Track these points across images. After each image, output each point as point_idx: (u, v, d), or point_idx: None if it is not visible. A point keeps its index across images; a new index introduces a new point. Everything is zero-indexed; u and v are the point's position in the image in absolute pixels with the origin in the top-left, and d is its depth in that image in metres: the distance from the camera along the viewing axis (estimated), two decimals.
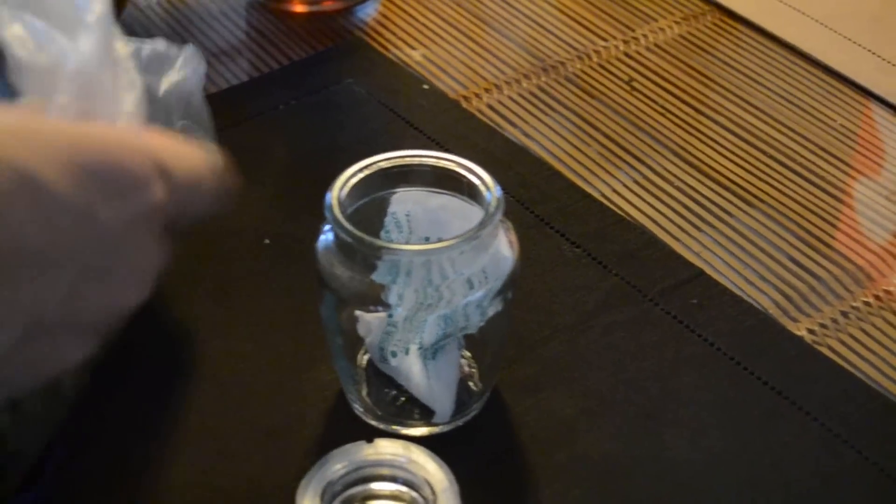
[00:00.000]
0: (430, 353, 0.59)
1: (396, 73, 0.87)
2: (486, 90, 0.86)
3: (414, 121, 0.82)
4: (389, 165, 0.59)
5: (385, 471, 0.56)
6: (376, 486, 0.56)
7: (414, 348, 0.58)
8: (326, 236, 0.57)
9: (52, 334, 0.44)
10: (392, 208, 0.60)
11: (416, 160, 0.60)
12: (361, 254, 0.55)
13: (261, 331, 0.66)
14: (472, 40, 0.92)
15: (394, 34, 0.93)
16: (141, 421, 0.61)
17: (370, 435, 0.55)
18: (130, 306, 0.47)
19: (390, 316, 0.57)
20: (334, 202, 0.56)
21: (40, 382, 0.48)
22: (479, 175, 0.59)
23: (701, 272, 0.70)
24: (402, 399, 0.61)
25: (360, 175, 0.58)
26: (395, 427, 0.60)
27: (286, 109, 0.83)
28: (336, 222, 0.55)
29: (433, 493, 0.54)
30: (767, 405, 0.62)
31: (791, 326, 0.66)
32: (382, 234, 0.61)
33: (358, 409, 0.61)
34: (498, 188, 0.57)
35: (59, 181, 0.42)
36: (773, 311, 0.67)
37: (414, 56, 0.90)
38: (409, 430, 0.60)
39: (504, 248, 0.58)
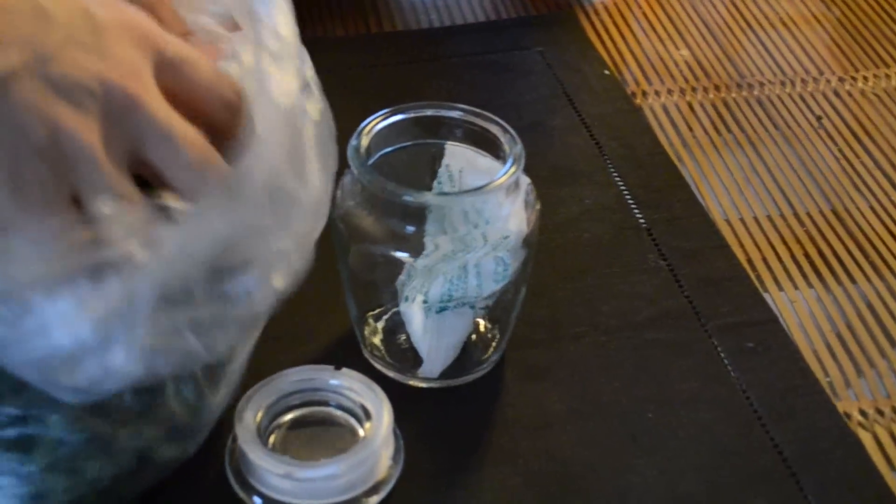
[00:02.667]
0: (436, 309, 0.59)
1: (585, 53, 0.86)
2: (669, 91, 0.83)
3: (576, 99, 0.81)
4: (417, 115, 0.59)
5: (327, 396, 0.57)
6: (315, 410, 0.57)
7: (420, 299, 0.58)
8: (346, 179, 0.58)
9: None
10: (447, 161, 0.60)
11: (449, 113, 0.60)
12: (382, 200, 0.55)
13: None
14: (680, 37, 0.89)
15: (610, 15, 0.91)
16: None
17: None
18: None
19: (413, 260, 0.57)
20: (360, 148, 0.56)
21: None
22: (505, 130, 0.58)
23: (774, 319, 0.65)
24: (407, 346, 0.61)
25: (388, 121, 0.58)
26: (393, 374, 0.60)
27: (460, 62, 0.84)
28: (358, 168, 0.55)
29: (368, 420, 0.55)
30: (767, 473, 0.57)
31: (833, 400, 0.60)
32: (435, 183, 0.61)
33: (365, 351, 0.62)
34: (517, 148, 0.56)
35: None
36: (822, 380, 0.62)
37: (616, 39, 0.88)
38: (407, 379, 0.60)
39: (518, 221, 0.56)
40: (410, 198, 0.54)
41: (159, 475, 0.53)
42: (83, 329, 0.42)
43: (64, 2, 0.42)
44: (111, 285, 0.42)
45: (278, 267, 0.46)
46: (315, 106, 0.49)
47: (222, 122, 0.47)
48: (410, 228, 0.55)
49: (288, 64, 0.47)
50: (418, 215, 0.55)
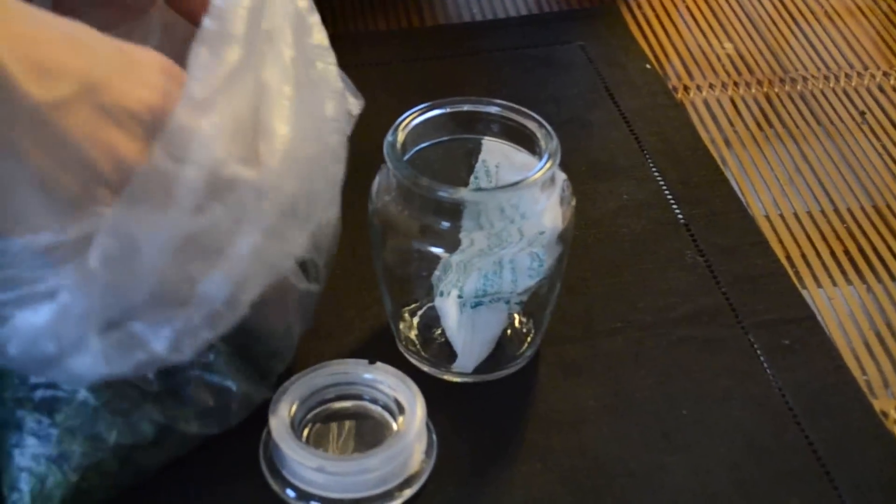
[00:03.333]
0: (471, 304, 0.59)
1: (627, 47, 0.85)
2: (711, 86, 0.83)
3: (617, 94, 0.81)
4: (454, 111, 0.59)
5: (360, 390, 0.57)
6: (348, 403, 0.57)
7: (454, 293, 0.59)
8: (382, 175, 0.58)
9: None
10: (483, 156, 0.60)
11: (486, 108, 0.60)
12: (418, 195, 0.55)
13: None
14: (723, 31, 0.88)
15: (653, 8, 0.91)
16: None
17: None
18: None
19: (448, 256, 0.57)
20: (396, 144, 0.56)
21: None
22: (541, 125, 0.58)
23: (812, 317, 0.64)
24: (441, 340, 0.61)
25: (425, 117, 0.58)
26: (428, 368, 0.61)
27: (501, 56, 0.84)
28: (394, 163, 0.55)
29: (401, 415, 0.55)
30: (801, 472, 0.56)
31: (870, 398, 0.60)
32: (472, 178, 0.61)
33: (400, 345, 0.62)
34: (553, 144, 0.56)
35: None
36: (860, 378, 0.61)
37: (658, 33, 0.88)
38: (442, 374, 0.61)
39: (553, 217, 0.57)
40: (446, 194, 0.54)
41: (182, 449, 0.54)
42: (41, 340, 0.44)
43: (100, 38, 0.45)
44: (64, 296, 0.44)
45: (244, 265, 0.46)
46: (288, 51, 0.49)
47: None
48: (446, 224, 0.55)
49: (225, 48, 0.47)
50: (454, 211, 0.55)
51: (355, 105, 0.55)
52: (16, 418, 0.51)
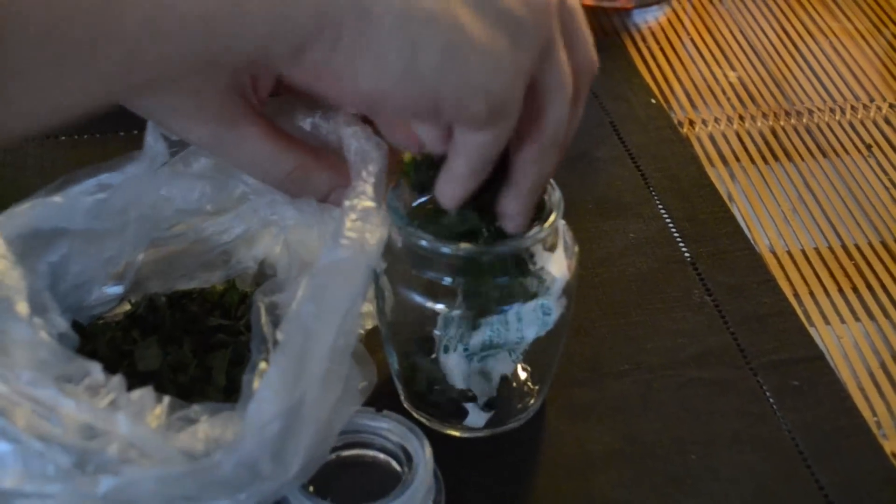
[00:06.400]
0: (477, 358, 0.58)
1: (632, 81, 0.85)
2: (716, 119, 0.83)
3: (622, 129, 0.81)
4: None
5: (368, 438, 0.57)
6: (356, 452, 0.57)
7: (461, 349, 0.58)
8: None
9: None
10: None
11: None
12: (419, 251, 0.54)
13: None
14: (727, 62, 0.88)
15: (657, 41, 0.91)
16: None
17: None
18: None
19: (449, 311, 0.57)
20: (397, 199, 0.55)
21: None
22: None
23: (821, 356, 0.64)
24: (448, 396, 0.60)
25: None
26: (436, 425, 0.60)
27: None
28: (396, 222, 0.54)
29: (410, 466, 0.55)
30: None
31: (880, 440, 0.60)
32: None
33: (405, 402, 0.61)
34: (556, 196, 0.55)
35: None
36: (870, 419, 0.61)
37: (662, 65, 0.88)
38: (448, 429, 0.60)
39: (559, 268, 0.56)
40: (448, 250, 0.53)
41: None
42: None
43: None
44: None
45: None
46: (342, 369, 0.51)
47: (576, 88, 0.49)
48: (448, 280, 0.54)
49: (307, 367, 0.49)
50: (457, 267, 0.54)
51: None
52: None
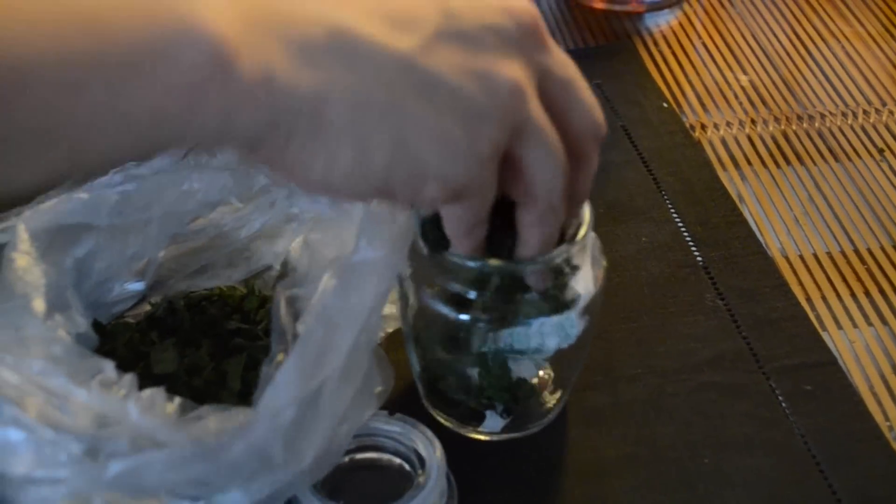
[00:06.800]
0: (499, 361, 0.58)
1: (643, 85, 0.85)
2: (728, 123, 0.83)
3: (634, 134, 0.81)
4: None
5: (381, 441, 0.57)
6: (369, 455, 0.57)
7: (482, 350, 0.58)
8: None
9: None
10: None
11: None
12: (443, 261, 0.54)
13: None
14: (739, 66, 0.88)
15: (669, 45, 0.91)
16: None
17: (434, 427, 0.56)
18: None
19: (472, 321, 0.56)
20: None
21: None
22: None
23: (833, 361, 0.64)
24: (468, 399, 0.60)
25: None
26: (455, 427, 0.60)
27: None
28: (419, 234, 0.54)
29: (423, 469, 0.55)
30: None
31: (893, 445, 0.60)
32: None
33: (426, 403, 0.61)
34: (586, 210, 0.55)
35: None
36: (882, 424, 0.61)
37: (674, 69, 0.88)
38: (468, 432, 0.60)
39: (586, 283, 0.56)
40: (473, 265, 0.53)
41: None
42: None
43: None
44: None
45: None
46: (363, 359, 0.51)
47: (579, 153, 0.49)
48: (472, 294, 0.54)
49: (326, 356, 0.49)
50: (482, 280, 0.54)
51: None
52: None
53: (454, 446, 0.56)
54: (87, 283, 0.58)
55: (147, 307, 0.62)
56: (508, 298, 0.54)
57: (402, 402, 0.59)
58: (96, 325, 0.58)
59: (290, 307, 0.53)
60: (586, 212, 0.55)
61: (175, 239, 0.62)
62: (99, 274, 0.59)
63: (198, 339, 0.58)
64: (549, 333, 0.56)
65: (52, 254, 0.55)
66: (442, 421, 0.60)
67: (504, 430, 0.59)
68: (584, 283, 0.55)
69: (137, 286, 0.62)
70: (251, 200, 0.62)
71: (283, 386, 0.48)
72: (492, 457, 0.59)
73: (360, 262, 0.49)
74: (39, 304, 0.51)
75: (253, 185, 0.60)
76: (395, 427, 0.57)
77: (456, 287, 0.54)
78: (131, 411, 0.47)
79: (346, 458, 0.57)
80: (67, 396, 0.47)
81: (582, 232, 0.54)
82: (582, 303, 0.55)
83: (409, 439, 0.56)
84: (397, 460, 0.57)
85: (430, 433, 0.56)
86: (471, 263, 0.53)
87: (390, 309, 0.58)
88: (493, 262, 0.53)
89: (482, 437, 0.60)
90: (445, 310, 0.55)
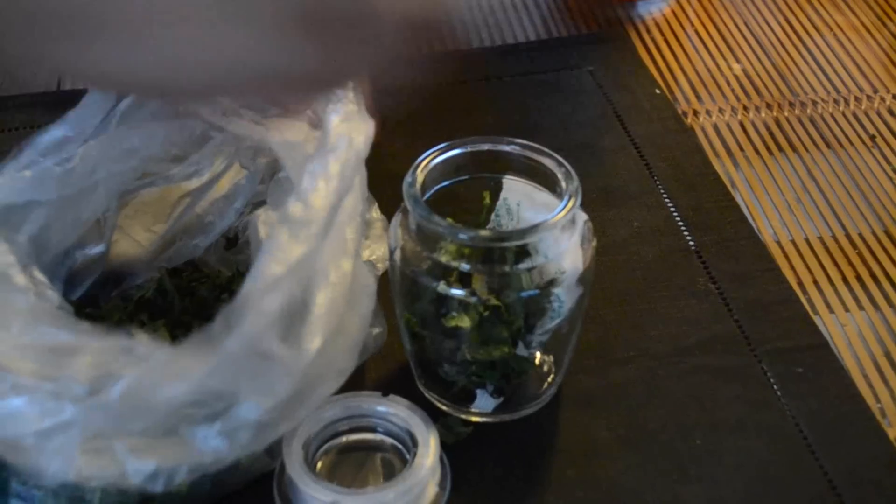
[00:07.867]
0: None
1: (636, 72, 0.86)
2: (720, 110, 0.83)
3: (626, 120, 0.81)
4: (474, 150, 0.59)
5: (374, 423, 0.57)
6: (362, 436, 0.57)
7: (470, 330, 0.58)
8: (401, 215, 0.58)
9: None
10: (505, 194, 0.60)
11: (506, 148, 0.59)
12: (433, 234, 0.55)
13: None
14: (731, 53, 0.89)
15: (661, 32, 0.91)
16: None
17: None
18: None
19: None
20: (415, 185, 0.56)
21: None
22: (561, 165, 0.57)
23: (825, 344, 0.64)
24: (460, 379, 0.60)
25: (444, 157, 0.58)
26: (448, 407, 0.60)
27: (510, 82, 0.84)
28: (413, 205, 0.55)
29: (416, 449, 0.55)
30: (816, 502, 0.56)
31: (884, 426, 0.60)
32: (493, 216, 0.61)
33: (419, 383, 0.62)
34: (574, 185, 0.56)
35: None
36: (873, 406, 0.61)
37: (667, 56, 0.88)
38: (461, 412, 0.60)
39: (573, 259, 0.56)
40: (465, 236, 0.54)
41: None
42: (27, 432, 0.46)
43: None
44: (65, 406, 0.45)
45: (243, 425, 0.47)
46: (347, 261, 0.50)
47: None
48: (466, 266, 0.55)
49: (303, 231, 0.48)
50: (473, 253, 0.55)
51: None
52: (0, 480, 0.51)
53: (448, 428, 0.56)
54: (46, 256, 0.58)
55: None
56: (496, 271, 0.54)
57: (396, 385, 0.59)
58: (81, 310, 0.58)
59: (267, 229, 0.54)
60: (575, 183, 0.56)
61: (124, 197, 0.61)
62: (57, 246, 0.58)
63: (188, 321, 0.58)
64: (538, 312, 0.56)
65: (2, 234, 0.55)
66: (435, 402, 0.61)
67: (497, 411, 0.59)
68: (572, 260, 0.55)
69: (98, 249, 0.61)
70: (194, 151, 0.61)
71: (266, 261, 0.47)
72: (485, 438, 0.59)
73: (324, 158, 0.50)
74: (21, 279, 0.51)
75: (193, 133, 0.59)
76: (388, 408, 0.57)
77: (445, 259, 0.54)
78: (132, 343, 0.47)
79: (339, 441, 0.57)
80: (62, 349, 0.46)
81: (571, 202, 0.55)
82: (569, 278, 0.55)
83: (403, 420, 0.56)
84: (391, 441, 0.57)
85: (423, 413, 0.56)
86: (461, 235, 0.53)
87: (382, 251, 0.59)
88: (483, 233, 0.54)
89: (475, 419, 0.60)
90: (433, 282, 0.55)
